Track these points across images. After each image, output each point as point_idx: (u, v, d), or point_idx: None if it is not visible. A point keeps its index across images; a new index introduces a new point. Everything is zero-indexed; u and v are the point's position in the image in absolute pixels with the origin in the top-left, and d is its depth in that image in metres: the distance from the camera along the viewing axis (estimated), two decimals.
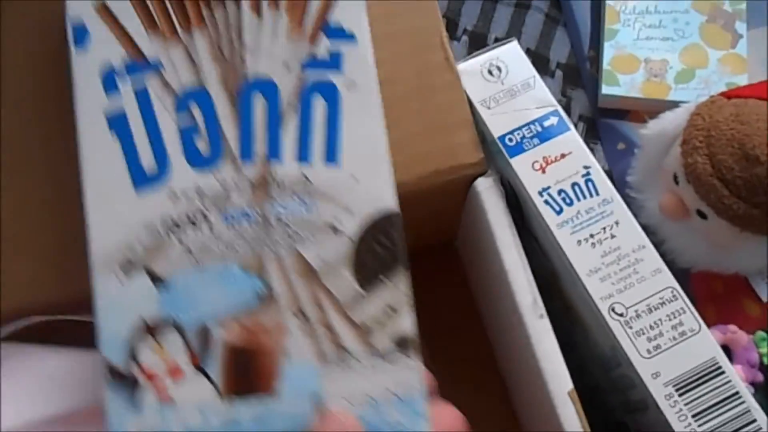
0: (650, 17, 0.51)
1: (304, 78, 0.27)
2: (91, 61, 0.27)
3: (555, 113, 0.34)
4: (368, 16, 0.28)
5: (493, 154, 0.34)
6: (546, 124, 0.33)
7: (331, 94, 0.27)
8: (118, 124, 0.26)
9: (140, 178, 0.26)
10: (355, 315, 0.26)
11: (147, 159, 0.26)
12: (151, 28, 0.27)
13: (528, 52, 0.52)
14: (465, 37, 0.52)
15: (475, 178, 0.33)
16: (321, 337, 0.26)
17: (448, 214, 0.39)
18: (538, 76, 0.34)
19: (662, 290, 0.31)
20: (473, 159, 0.32)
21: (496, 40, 0.52)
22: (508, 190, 0.34)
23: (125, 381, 0.25)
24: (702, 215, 0.39)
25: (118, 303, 0.25)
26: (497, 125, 0.33)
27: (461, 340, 0.43)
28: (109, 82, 0.26)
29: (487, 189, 0.33)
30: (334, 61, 0.27)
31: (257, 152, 0.26)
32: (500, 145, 0.33)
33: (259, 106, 0.27)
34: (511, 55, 0.35)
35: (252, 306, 0.26)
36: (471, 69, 0.34)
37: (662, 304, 0.31)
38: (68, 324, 0.29)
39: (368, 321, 0.26)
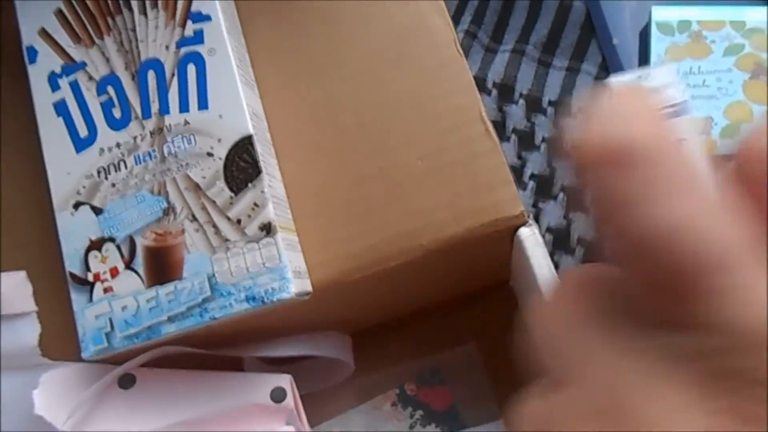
0: (694, 78, 0.52)
1: (179, 53, 0.37)
2: (40, 70, 0.38)
3: None
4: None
5: None
6: None
7: (198, 60, 0.37)
8: (61, 109, 0.37)
9: (79, 143, 0.37)
10: (231, 213, 0.35)
11: (82, 129, 0.37)
12: (76, 41, 0.38)
13: (580, 111, 0.55)
14: (522, 101, 0.55)
15: (518, 228, 0.38)
16: (209, 233, 0.35)
17: (499, 259, 0.44)
18: None
19: None
20: (515, 212, 0.38)
21: (550, 102, 0.55)
22: None
23: (83, 283, 0.36)
24: None
25: (72, 230, 0.36)
26: None
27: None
28: (53, 82, 0.38)
29: (528, 237, 0.38)
30: (198, 37, 0.37)
31: (153, 111, 0.37)
32: None
33: (151, 79, 0.37)
34: None
35: (160, 218, 0.36)
36: None
37: None
38: (187, 355, 0.38)
39: (241, 216, 0.35)
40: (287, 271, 0.34)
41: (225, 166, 0.36)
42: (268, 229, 0.35)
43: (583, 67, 0.56)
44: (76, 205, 0.37)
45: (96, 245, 0.36)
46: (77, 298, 0.36)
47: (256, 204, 0.35)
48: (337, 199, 0.39)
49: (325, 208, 0.39)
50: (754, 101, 0.52)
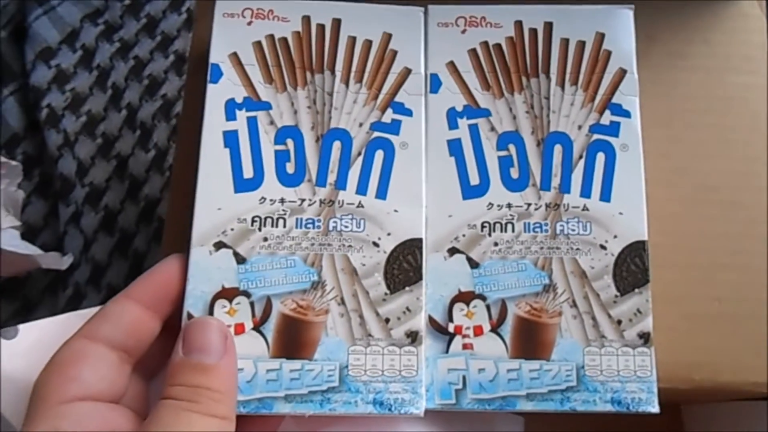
0: None
1: (590, 138, 0.37)
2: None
3: None
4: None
5: None
6: None
7: (609, 151, 0.37)
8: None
9: (468, 190, 0.36)
10: (613, 311, 0.35)
11: (474, 177, 0.37)
12: (484, 87, 0.38)
13: None
14: None
15: None
16: (587, 324, 0.35)
17: None
18: None
19: None
20: None
21: None
22: None
23: (443, 331, 0.35)
24: None
25: (443, 274, 0.35)
26: None
27: None
28: (452, 119, 0.37)
29: None
30: (614, 129, 0.37)
31: (554, 185, 0.37)
32: None
33: (558, 153, 0.37)
34: None
35: (539, 292, 0.35)
36: None
37: None
38: None
39: (622, 318, 0.35)
40: (655, 385, 0.34)
41: (616, 264, 0.36)
42: (646, 338, 0.35)
43: None
44: (452, 251, 0.36)
45: (464, 297, 0.35)
46: (432, 344, 0.35)
47: (639, 311, 0.35)
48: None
49: None
50: None
